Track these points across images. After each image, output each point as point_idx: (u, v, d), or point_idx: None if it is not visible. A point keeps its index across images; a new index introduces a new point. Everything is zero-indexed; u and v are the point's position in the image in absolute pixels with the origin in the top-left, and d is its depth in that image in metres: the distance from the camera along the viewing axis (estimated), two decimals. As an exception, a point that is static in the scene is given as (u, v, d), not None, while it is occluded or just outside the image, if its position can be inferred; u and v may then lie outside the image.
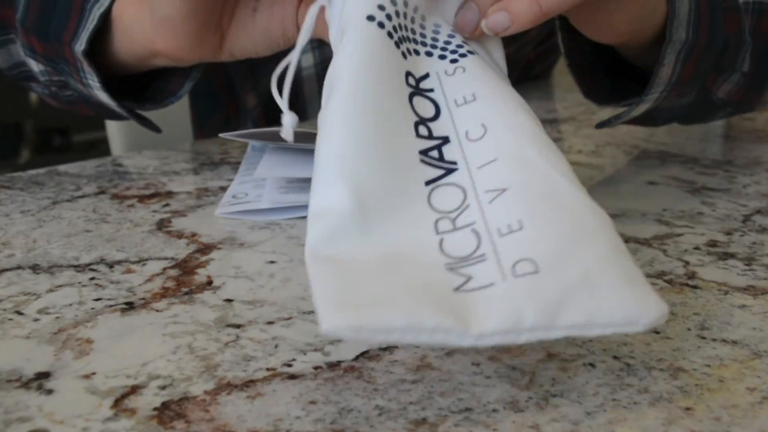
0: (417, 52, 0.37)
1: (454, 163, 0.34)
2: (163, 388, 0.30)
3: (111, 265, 0.42)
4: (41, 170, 0.59)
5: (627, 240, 0.45)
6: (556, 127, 0.75)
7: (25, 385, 0.30)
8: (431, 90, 0.36)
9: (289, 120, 0.41)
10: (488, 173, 0.33)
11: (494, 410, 0.29)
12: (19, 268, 0.41)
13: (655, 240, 0.46)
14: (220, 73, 0.84)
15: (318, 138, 0.34)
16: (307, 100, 0.81)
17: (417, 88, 0.36)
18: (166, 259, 0.43)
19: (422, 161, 0.33)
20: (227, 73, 0.84)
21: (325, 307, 0.27)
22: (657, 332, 0.35)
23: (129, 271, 0.41)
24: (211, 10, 0.50)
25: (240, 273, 0.41)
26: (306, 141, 0.52)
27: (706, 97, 0.56)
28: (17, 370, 0.31)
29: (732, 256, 0.44)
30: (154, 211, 0.50)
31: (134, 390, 0.30)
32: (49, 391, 0.30)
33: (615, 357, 0.33)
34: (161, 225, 0.48)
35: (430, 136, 0.34)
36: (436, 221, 0.32)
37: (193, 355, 0.33)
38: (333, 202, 0.31)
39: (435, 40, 0.38)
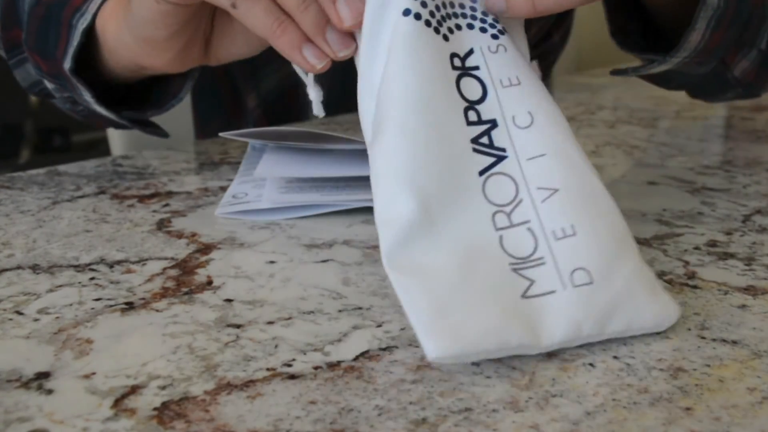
0: (459, 27, 0.37)
1: (504, 150, 0.35)
2: (163, 388, 0.30)
3: (111, 265, 0.42)
4: (41, 170, 0.59)
5: (627, 240, 0.45)
6: (556, 127, 0.75)
7: (25, 385, 0.30)
8: (477, 68, 0.36)
9: (315, 94, 0.41)
10: (539, 168, 0.34)
11: (494, 410, 0.29)
12: (19, 268, 0.41)
13: (655, 240, 0.46)
14: (223, 74, 0.84)
15: (374, 145, 0.35)
16: (308, 101, 0.80)
17: (464, 68, 0.36)
18: (166, 259, 0.43)
19: (474, 150, 0.34)
20: (230, 74, 0.84)
21: (426, 336, 0.30)
22: (657, 332, 0.35)
23: (129, 271, 0.41)
24: (195, 28, 0.49)
25: (240, 273, 0.41)
26: (306, 140, 0.52)
27: (722, 73, 0.57)
28: (17, 370, 0.31)
29: (732, 256, 0.44)
30: (154, 211, 0.50)
31: (134, 390, 0.30)
32: (49, 391, 0.30)
33: (615, 357, 0.33)
34: (161, 225, 0.48)
35: (480, 121, 0.35)
36: (494, 215, 0.33)
37: (193, 355, 0.33)
38: (398, 209, 0.33)
39: (474, 9, 0.38)
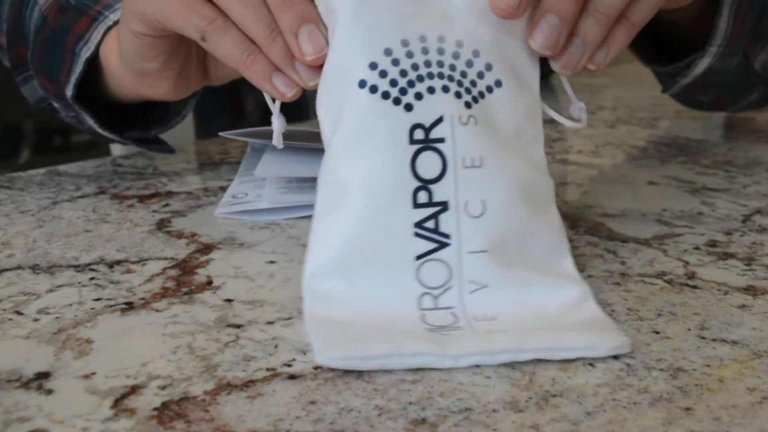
0: (431, 90, 0.35)
1: (448, 236, 0.35)
2: (163, 388, 0.30)
3: (111, 265, 0.42)
4: (41, 170, 0.59)
5: (627, 240, 0.45)
6: (557, 127, 0.75)
7: (25, 385, 0.30)
8: (442, 140, 0.35)
9: (277, 125, 0.41)
10: (476, 263, 0.35)
11: (494, 410, 0.29)
12: (19, 268, 0.41)
13: (655, 240, 0.46)
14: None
15: (316, 207, 0.36)
16: (309, 101, 0.80)
17: (426, 140, 0.35)
18: (166, 259, 0.43)
19: (416, 234, 0.34)
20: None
21: (318, 344, 0.32)
22: (657, 332, 0.35)
23: (129, 271, 0.41)
24: (186, 54, 0.49)
25: (240, 273, 0.41)
26: (306, 140, 0.52)
27: (746, 67, 0.59)
28: (17, 370, 0.31)
29: (732, 256, 0.44)
30: (154, 211, 0.50)
31: (134, 390, 0.30)
32: (49, 391, 0.30)
33: (615, 357, 0.33)
34: (161, 225, 0.48)
35: (429, 203, 0.34)
36: (421, 295, 0.34)
37: (193, 355, 0.33)
38: (324, 277, 0.35)
39: (453, 68, 0.36)
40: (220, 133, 0.53)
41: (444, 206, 0.34)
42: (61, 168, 0.59)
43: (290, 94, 0.40)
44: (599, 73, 0.55)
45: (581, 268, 0.42)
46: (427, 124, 0.35)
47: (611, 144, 0.68)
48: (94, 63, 0.52)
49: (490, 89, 0.36)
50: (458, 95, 0.35)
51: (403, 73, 0.35)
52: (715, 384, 0.31)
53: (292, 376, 0.31)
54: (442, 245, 0.34)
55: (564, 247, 0.37)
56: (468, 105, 0.35)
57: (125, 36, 0.46)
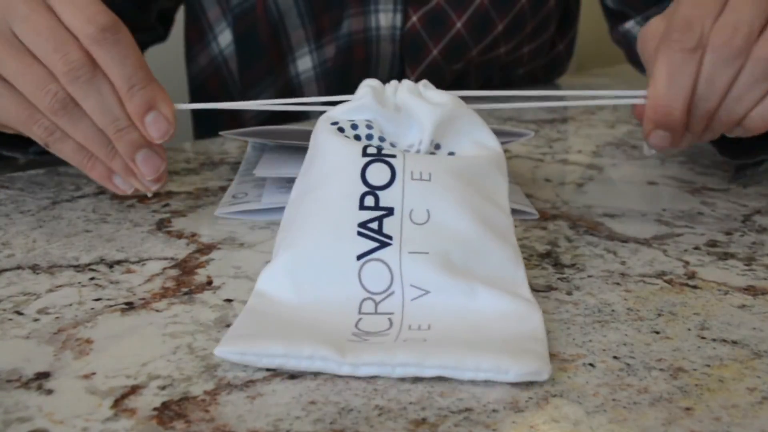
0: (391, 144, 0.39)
1: (390, 237, 0.35)
2: (163, 388, 0.30)
3: (111, 265, 0.42)
4: (41, 170, 0.59)
5: (627, 240, 0.45)
6: (556, 127, 0.75)
7: (25, 385, 0.30)
8: (393, 156, 0.37)
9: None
10: (417, 265, 0.35)
11: (494, 410, 0.29)
12: (19, 268, 0.41)
13: (655, 240, 0.46)
14: (222, 91, 0.84)
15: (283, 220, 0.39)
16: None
17: (379, 155, 0.37)
18: (166, 259, 0.43)
19: (359, 233, 0.35)
20: (226, 88, 0.84)
21: (226, 336, 0.32)
22: (657, 332, 0.35)
23: (129, 271, 0.41)
24: None
25: (240, 273, 0.41)
26: (306, 140, 0.52)
27: None
28: (17, 370, 0.31)
29: (732, 256, 0.44)
30: (154, 211, 0.50)
31: (134, 390, 0.30)
32: (49, 391, 0.30)
33: (615, 357, 0.33)
34: (161, 225, 0.48)
35: (376, 206, 0.36)
36: (363, 300, 0.35)
37: (193, 355, 0.33)
38: (275, 268, 0.36)
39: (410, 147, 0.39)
40: (220, 133, 0.53)
41: (389, 211, 0.36)
42: (61, 168, 0.59)
43: (131, 190, 0.44)
44: (599, 73, 0.54)
45: (581, 267, 0.42)
46: (381, 150, 0.37)
47: (611, 144, 0.68)
48: None
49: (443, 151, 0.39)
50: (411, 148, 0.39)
51: (368, 137, 0.39)
52: (715, 384, 0.31)
53: (292, 376, 0.31)
54: (383, 245, 0.35)
55: (520, 276, 0.36)
56: (419, 152, 0.38)
57: None
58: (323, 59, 0.78)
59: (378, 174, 0.36)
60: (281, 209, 0.49)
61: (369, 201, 0.36)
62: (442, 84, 0.84)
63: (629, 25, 0.77)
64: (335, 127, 0.39)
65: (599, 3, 0.82)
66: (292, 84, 0.80)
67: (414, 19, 0.76)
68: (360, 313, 0.34)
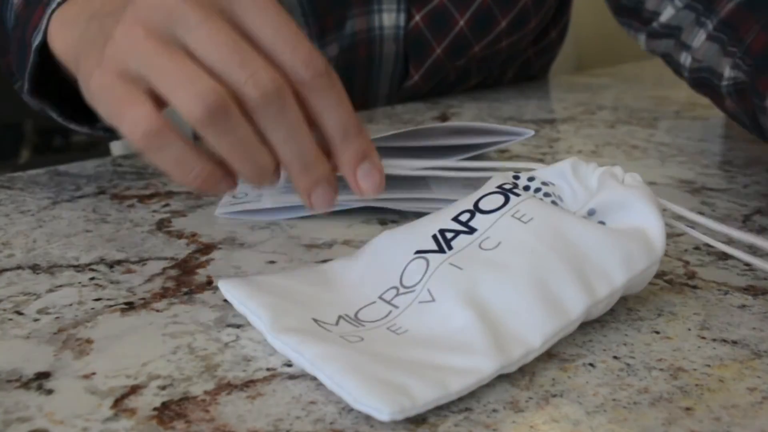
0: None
1: (451, 248, 0.36)
2: (163, 388, 0.30)
3: (111, 265, 0.42)
4: (41, 170, 0.59)
5: (627, 240, 0.45)
6: (556, 127, 0.75)
7: (25, 385, 0.30)
8: (518, 195, 0.37)
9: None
10: (445, 275, 0.34)
11: (494, 410, 0.29)
12: (19, 268, 0.41)
13: (655, 240, 0.46)
14: None
15: None
16: None
17: (508, 190, 0.38)
18: (166, 259, 0.43)
19: (433, 236, 0.36)
20: None
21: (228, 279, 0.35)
22: (657, 332, 0.35)
23: (129, 271, 0.41)
24: None
25: (240, 273, 0.41)
26: None
27: None
28: (17, 370, 0.31)
29: (732, 256, 0.44)
30: (154, 211, 0.50)
31: (134, 390, 0.30)
32: (49, 391, 0.30)
33: (615, 357, 0.33)
34: (161, 225, 0.48)
35: (465, 223, 0.37)
36: (390, 288, 0.35)
37: (193, 355, 0.33)
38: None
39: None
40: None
41: (471, 231, 0.36)
42: (61, 168, 0.59)
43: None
44: (600, 73, 0.54)
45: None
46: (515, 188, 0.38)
47: (611, 144, 0.68)
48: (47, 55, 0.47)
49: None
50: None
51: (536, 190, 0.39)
52: (715, 384, 0.31)
53: (292, 376, 0.31)
54: (440, 251, 0.35)
55: (527, 340, 0.32)
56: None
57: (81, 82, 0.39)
58: (326, 59, 0.78)
59: (492, 200, 0.37)
60: (281, 209, 0.49)
61: (464, 217, 0.37)
62: (444, 81, 0.84)
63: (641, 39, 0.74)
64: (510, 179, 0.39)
65: None
66: None
67: (417, 18, 0.76)
68: (378, 297, 0.35)
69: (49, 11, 0.45)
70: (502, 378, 0.31)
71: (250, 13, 0.35)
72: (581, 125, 0.76)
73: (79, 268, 0.41)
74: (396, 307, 0.34)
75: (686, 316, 0.36)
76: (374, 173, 0.37)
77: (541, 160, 0.63)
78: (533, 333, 0.32)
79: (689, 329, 0.35)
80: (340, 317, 0.34)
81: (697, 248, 0.44)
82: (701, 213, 0.50)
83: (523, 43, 0.84)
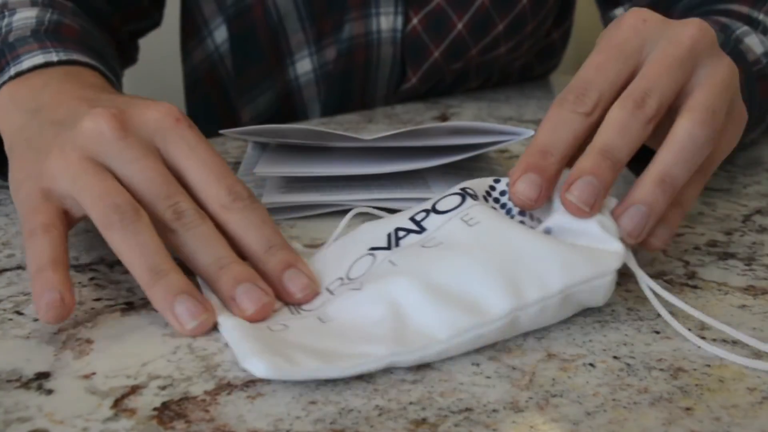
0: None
1: (398, 246, 0.38)
2: (163, 388, 0.30)
3: (111, 265, 0.42)
4: (41, 170, 0.59)
5: (627, 240, 0.45)
6: (556, 127, 0.75)
7: (25, 385, 0.30)
8: (475, 197, 0.38)
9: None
10: (381, 269, 0.36)
11: (494, 410, 0.29)
12: (19, 268, 0.41)
13: (655, 240, 0.46)
14: (218, 90, 0.84)
15: None
16: (307, 105, 0.81)
17: (467, 193, 0.39)
18: (166, 259, 0.42)
19: (388, 234, 0.38)
20: (224, 90, 0.84)
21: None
22: (657, 332, 0.35)
23: (129, 272, 0.41)
24: None
25: (240, 273, 0.41)
26: (306, 139, 0.52)
27: None
28: (17, 370, 0.31)
29: (732, 256, 0.44)
30: (154, 211, 0.50)
31: (134, 390, 0.30)
32: (49, 391, 0.30)
33: (615, 357, 0.33)
34: (161, 225, 0.48)
35: (419, 222, 0.38)
36: (335, 279, 0.38)
37: (193, 355, 0.33)
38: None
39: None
40: (221, 131, 0.53)
41: (422, 230, 0.38)
42: (61, 168, 0.59)
43: (191, 326, 0.35)
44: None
45: (581, 268, 0.42)
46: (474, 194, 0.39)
47: (611, 144, 0.68)
48: None
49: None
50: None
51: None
52: (715, 384, 0.31)
53: (292, 376, 0.31)
54: (389, 248, 0.37)
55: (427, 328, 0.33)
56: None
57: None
58: (323, 62, 0.77)
59: (449, 201, 0.38)
60: (281, 209, 0.49)
61: (420, 216, 0.38)
62: (441, 84, 0.84)
63: (618, 11, 0.75)
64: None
65: None
66: (291, 86, 0.79)
67: (415, 21, 0.76)
68: (326, 288, 0.37)
69: (1, 81, 0.47)
70: (502, 378, 0.31)
71: (181, 152, 0.39)
72: (581, 125, 0.76)
73: (79, 268, 0.41)
74: (333, 295, 0.36)
75: (686, 316, 0.36)
76: (301, 277, 0.37)
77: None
78: (441, 327, 0.32)
79: (689, 329, 0.35)
80: (290, 306, 0.36)
81: (697, 248, 0.45)
82: (701, 213, 0.50)
83: (522, 48, 0.84)
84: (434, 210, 0.38)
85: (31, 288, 0.34)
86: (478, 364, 0.32)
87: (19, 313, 0.36)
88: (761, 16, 0.59)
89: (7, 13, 0.53)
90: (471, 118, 0.75)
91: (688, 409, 0.29)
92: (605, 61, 0.38)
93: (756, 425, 0.28)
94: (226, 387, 0.30)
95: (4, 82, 0.47)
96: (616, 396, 0.30)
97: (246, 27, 0.77)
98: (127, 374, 0.31)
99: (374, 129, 0.70)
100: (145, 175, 0.37)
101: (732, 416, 0.29)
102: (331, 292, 0.36)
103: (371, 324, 0.33)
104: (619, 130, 0.36)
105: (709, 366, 0.32)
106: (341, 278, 0.37)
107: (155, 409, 0.29)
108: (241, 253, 0.38)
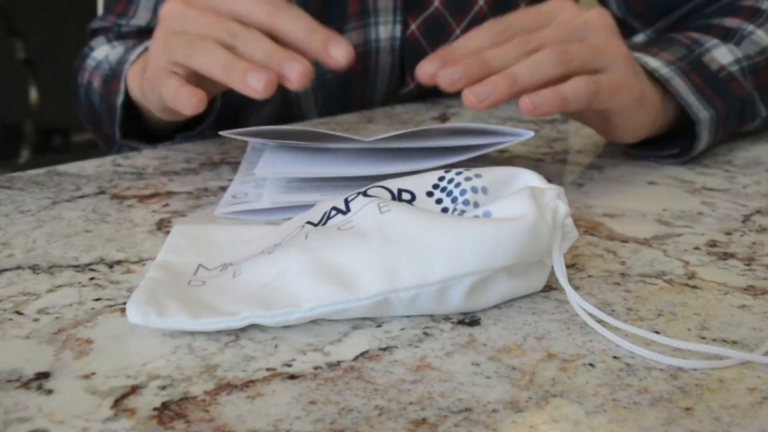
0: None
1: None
2: (163, 388, 0.30)
3: (111, 265, 0.42)
4: (41, 170, 0.59)
5: (627, 240, 0.45)
6: (556, 127, 0.75)
7: (25, 385, 0.30)
8: (412, 197, 0.40)
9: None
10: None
11: (494, 410, 0.29)
12: (19, 268, 0.41)
13: (655, 240, 0.46)
14: (222, 99, 0.84)
15: None
16: (305, 114, 0.81)
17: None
18: (166, 259, 0.43)
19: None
20: (228, 99, 0.84)
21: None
22: (657, 332, 0.35)
23: (129, 271, 0.41)
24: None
25: (240, 273, 0.41)
26: (306, 139, 0.52)
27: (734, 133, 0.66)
28: (17, 370, 0.31)
29: (732, 256, 0.44)
30: (154, 211, 0.50)
31: (134, 390, 0.30)
32: (49, 391, 0.30)
33: (615, 357, 0.33)
34: (161, 225, 0.48)
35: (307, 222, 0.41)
36: (304, 224, 0.40)
37: (193, 355, 0.33)
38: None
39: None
40: (221, 132, 0.53)
41: (346, 211, 0.39)
42: (61, 168, 0.59)
43: (261, 85, 0.48)
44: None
45: (581, 267, 0.42)
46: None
47: (611, 144, 0.68)
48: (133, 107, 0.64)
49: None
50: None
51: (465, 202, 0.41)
52: (715, 384, 0.31)
53: (292, 376, 0.31)
54: (317, 224, 0.40)
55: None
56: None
57: (150, 102, 0.57)
58: (322, 71, 0.78)
59: (379, 191, 0.40)
60: (281, 209, 0.49)
61: (351, 197, 0.40)
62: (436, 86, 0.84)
63: (639, 38, 0.76)
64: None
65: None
66: (290, 96, 0.80)
67: (413, 27, 0.76)
68: (263, 251, 0.40)
69: (123, 78, 0.63)
70: (502, 378, 0.31)
71: (229, 2, 0.51)
72: (581, 125, 0.76)
73: (79, 268, 0.41)
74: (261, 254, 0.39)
75: (686, 316, 0.36)
76: (341, 45, 0.49)
77: (540, 160, 0.63)
78: (308, 297, 0.35)
79: (689, 329, 0.35)
80: (225, 264, 0.40)
81: (697, 248, 0.45)
82: (701, 213, 0.50)
83: None
84: (364, 194, 0.39)
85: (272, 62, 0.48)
86: (478, 364, 0.32)
87: (19, 313, 0.36)
88: (750, 28, 0.65)
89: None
90: (471, 119, 0.75)
91: (688, 409, 0.29)
92: (525, 13, 0.54)
93: (756, 425, 0.28)
94: (226, 387, 0.30)
95: (125, 75, 0.62)
96: (616, 396, 0.30)
97: None
98: (127, 374, 0.31)
99: (374, 129, 0.70)
100: (204, 20, 0.50)
101: (732, 416, 0.29)
102: (260, 255, 0.39)
103: (258, 285, 0.36)
104: (500, 55, 0.50)
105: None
106: (276, 244, 0.40)
107: (155, 409, 0.29)
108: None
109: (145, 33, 0.74)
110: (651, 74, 0.58)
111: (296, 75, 0.48)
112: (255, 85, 0.47)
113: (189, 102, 0.48)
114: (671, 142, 0.61)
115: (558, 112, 0.50)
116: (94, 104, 0.72)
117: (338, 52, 0.49)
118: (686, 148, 0.60)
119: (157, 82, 0.51)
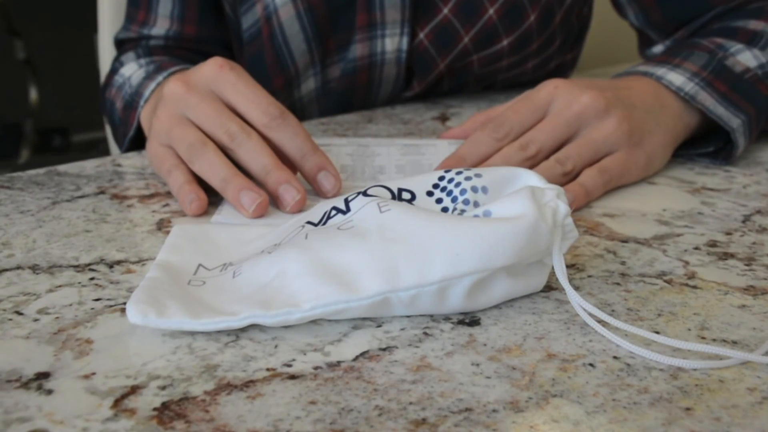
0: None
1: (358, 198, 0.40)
2: (163, 388, 0.30)
3: (111, 265, 0.42)
4: (41, 170, 0.59)
5: (627, 240, 0.45)
6: (556, 127, 0.75)
7: (25, 385, 0.30)
8: (412, 196, 0.41)
9: None
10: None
11: (494, 410, 0.29)
12: (19, 268, 0.41)
13: (655, 240, 0.46)
14: None
15: None
16: (307, 118, 0.81)
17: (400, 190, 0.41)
18: (166, 259, 0.43)
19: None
20: None
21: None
22: (657, 332, 0.35)
23: (129, 271, 0.41)
24: None
25: (240, 273, 0.41)
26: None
27: None
28: (17, 370, 0.31)
29: (732, 256, 0.44)
30: (154, 211, 0.50)
31: (134, 390, 0.30)
32: (49, 392, 0.30)
33: (615, 357, 0.33)
34: (161, 225, 0.48)
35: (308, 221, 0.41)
36: (300, 221, 0.41)
37: (193, 355, 0.33)
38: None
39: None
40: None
41: (346, 210, 0.39)
42: (61, 168, 0.59)
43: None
44: (600, 73, 0.54)
45: (581, 267, 0.42)
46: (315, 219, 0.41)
47: (611, 144, 0.68)
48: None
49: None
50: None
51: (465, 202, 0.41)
52: (715, 384, 0.31)
53: (292, 376, 0.31)
54: (317, 224, 0.40)
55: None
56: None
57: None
58: (327, 80, 0.78)
59: (380, 191, 0.40)
60: (280, 209, 0.49)
61: (351, 197, 0.40)
62: (439, 88, 0.84)
63: (657, 48, 0.76)
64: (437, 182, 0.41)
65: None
66: (295, 107, 0.80)
67: (421, 36, 0.76)
68: (263, 251, 0.40)
69: (137, 115, 0.67)
70: (502, 378, 0.31)
71: (227, 90, 0.52)
72: (581, 125, 0.76)
73: (79, 268, 0.41)
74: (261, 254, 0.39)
75: (686, 316, 0.36)
76: (330, 177, 0.51)
77: (541, 160, 0.63)
78: (308, 297, 0.35)
79: (689, 329, 0.35)
80: (225, 264, 0.40)
81: (697, 248, 0.45)
82: (701, 213, 0.50)
83: (525, 66, 0.84)
84: (364, 193, 0.39)
85: (228, 194, 0.48)
86: (478, 364, 0.32)
87: (19, 313, 0.36)
88: None
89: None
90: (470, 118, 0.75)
91: (688, 409, 0.29)
92: (521, 108, 0.55)
93: (756, 425, 0.28)
94: (225, 387, 0.30)
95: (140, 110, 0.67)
96: (616, 396, 0.30)
97: (255, 51, 0.77)
98: (127, 374, 0.31)
99: (374, 129, 0.70)
100: (203, 113, 0.51)
101: (732, 416, 0.29)
102: (259, 255, 0.39)
103: (258, 285, 0.36)
104: (503, 161, 0.52)
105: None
106: (276, 244, 0.40)
107: (155, 409, 0.29)
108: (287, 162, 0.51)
109: (171, 46, 0.76)
110: (676, 93, 0.59)
111: (291, 202, 0.48)
112: (246, 206, 0.47)
113: (190, 205, 0.49)
114: (706, 141, 0.61)
115: (584, 205, 0.51)
116: (115, 121, 0.75)
117: (327, 184, 0.51)
118: (721, 147, 0.61)
119: (164, 170, 0.52)
